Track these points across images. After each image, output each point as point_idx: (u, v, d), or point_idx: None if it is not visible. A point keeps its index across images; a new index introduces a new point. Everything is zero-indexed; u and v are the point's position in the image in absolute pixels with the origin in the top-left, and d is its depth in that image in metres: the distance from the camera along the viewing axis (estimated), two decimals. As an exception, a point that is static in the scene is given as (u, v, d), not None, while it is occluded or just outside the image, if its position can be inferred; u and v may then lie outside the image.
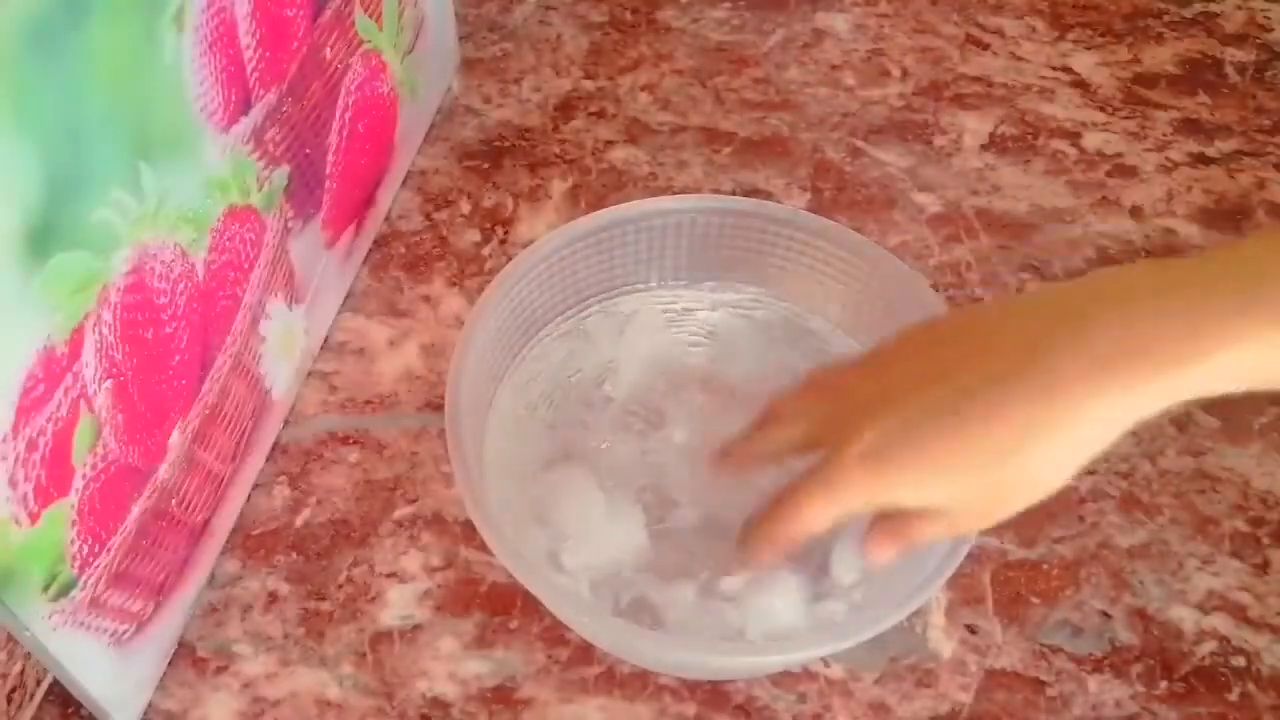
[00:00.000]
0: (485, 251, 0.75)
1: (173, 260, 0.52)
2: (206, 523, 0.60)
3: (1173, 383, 0.40)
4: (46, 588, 0.48)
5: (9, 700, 0.55)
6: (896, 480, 0.45)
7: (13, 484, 0.45)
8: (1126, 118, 0.82)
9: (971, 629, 0.60)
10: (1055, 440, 0.42)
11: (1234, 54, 0.86)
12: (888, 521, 0.48)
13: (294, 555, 0.63)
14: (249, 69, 0.56)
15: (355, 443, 0.67)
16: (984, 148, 0.80)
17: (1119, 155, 0.80)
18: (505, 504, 0.57)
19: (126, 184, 0.48)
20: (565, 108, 0.83)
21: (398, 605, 0.61)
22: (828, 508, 0.46)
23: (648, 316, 0.66)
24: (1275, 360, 0.40)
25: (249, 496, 0.64)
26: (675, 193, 0.77)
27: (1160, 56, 0.86)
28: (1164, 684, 0.59)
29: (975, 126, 0.82)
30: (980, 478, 0.43)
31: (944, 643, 0.60)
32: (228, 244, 0.57)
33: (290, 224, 0.63)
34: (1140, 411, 0.41)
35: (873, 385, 0.46)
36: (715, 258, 0.64)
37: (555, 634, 0.60)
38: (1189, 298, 0.40)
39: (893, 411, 0.44)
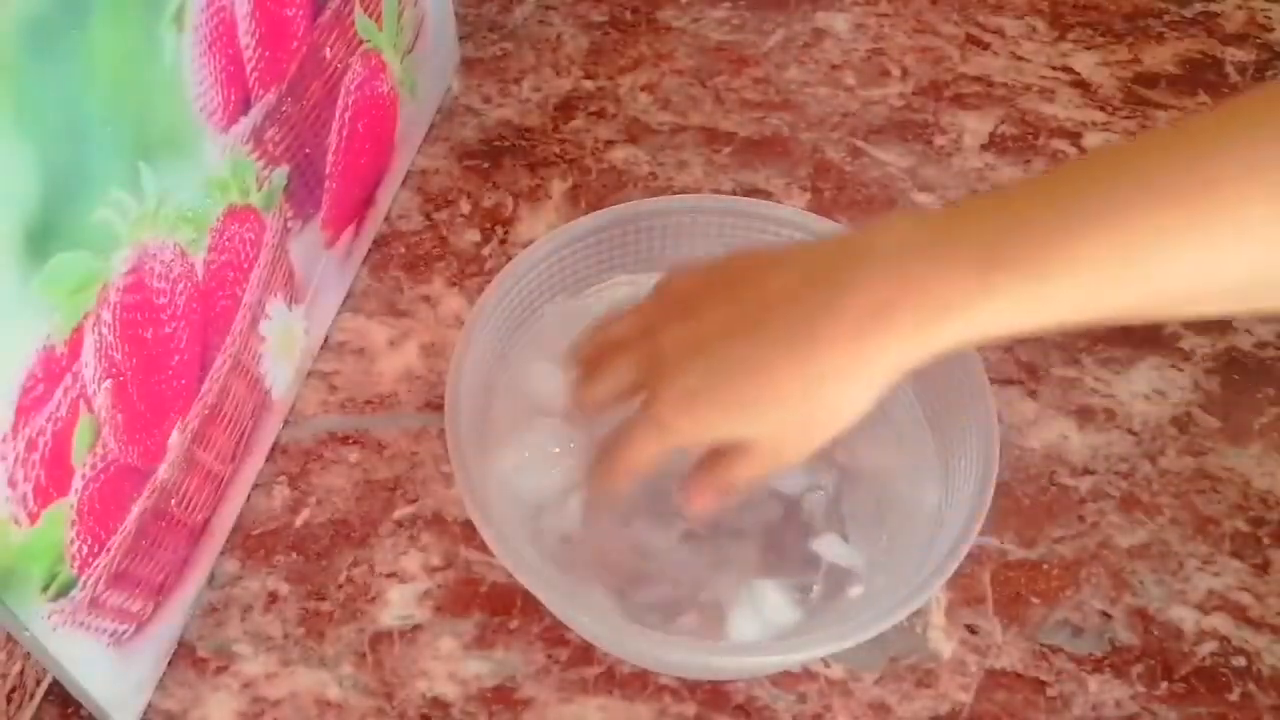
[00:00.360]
0: (485, 251, 0.75)
1: (172, 260, 0.52)
2: (206, 523, 0.60)
3: (936, 333, 0.44)
4: (46, 588, 0.48)
5: (9, 700, 0.55)
6: (711, 418, 0.49)
7: (12, 484, 0.45)
8: (1127, 118, 0.82)
9: (971, 629, 0.60)
10: (841, 384, 0.46)
11: (1234, 54, 0.86)
12: (701, 471, 0.52)
13: (294, 555, 0.63)
14: (248, 69, 0.56)
15: (355, 443, 0.67)
16: (984, 148, 0.80)
17: (1119, 155, 0.80)
18: (505, 503, 0.57)
19: (126, 184, 0.48)
20: (565, 108, 0.83)
21: (398, 605, 0.61)
22: (655, 445, 0.51)
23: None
24: (1026, 310, 0.43)
25: (249, 496, 0.64)
26: (675, 193, 0.77)
27: (1161, 56, 0.86)
28: (1164, 684, 0.59)
29: (975, 126, 0.81)
30: (783, 413, 0.48)
31: (944, 643, 0.60)
32: (227, 244, 0.57)
33: (290, 224, 0.63)
34: (914, 357, 0.45)
35: (680, 332, 0.50)
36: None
37: (555, 634, 0.60)
38: (951, 252, 0.44)
39: (704, 357, 0.48)
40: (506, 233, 0.76)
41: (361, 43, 0.68)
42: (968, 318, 0.43)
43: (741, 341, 0.48)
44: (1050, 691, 0.58)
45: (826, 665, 0.59)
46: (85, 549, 0.50)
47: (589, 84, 0.84)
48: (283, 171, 0.61)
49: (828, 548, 0.58)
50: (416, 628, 0.60)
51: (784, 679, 0.59)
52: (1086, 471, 0.66)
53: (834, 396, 0.47)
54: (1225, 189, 0.39)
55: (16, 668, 0.55)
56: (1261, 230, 0.39)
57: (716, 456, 0.51)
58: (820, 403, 0.47)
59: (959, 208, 0.47)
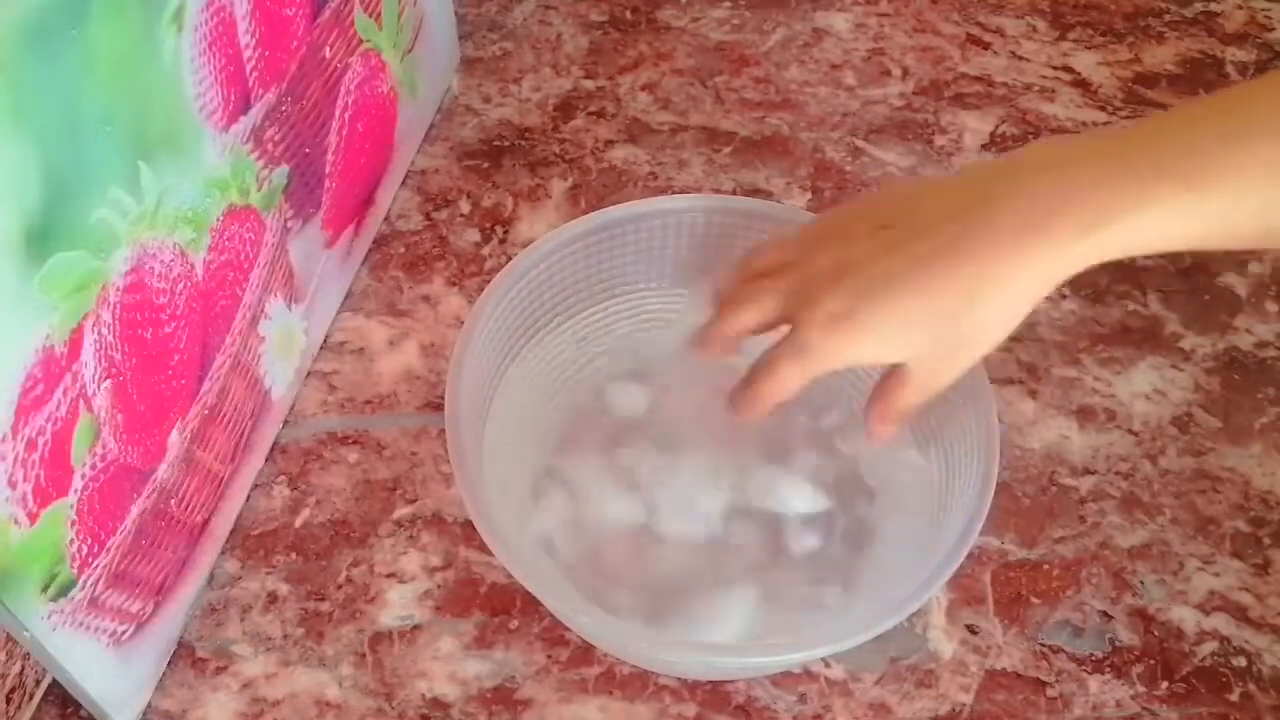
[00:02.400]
0: (485, 251, 0.75)
1: (172, 260, 0.52)
2: (206, 523, 0.60)
3: (1095, 241, 0.45)
4: (45, 588, 0.48)
5: (8, 700, 0.55)
6: (860, 339, 0.48)
7: (12, 484, 0.45)
8: (1128, 117, 0.82)
9: (972, 629, 0.60)
10: (997, 295, 0.46)
11: (1235, 53, 0.86)
12: (875, 405, 0.52)
13: (293, 555, 0.63)
14: (248, 68, 0.56)
15: (355, 443, 0.67)
16: (985, 147, 0.80)
17: (1119, 155, 0.80)
18: (505, 503, 0.57)
19: (125, 183, 0.48)
20: (565, 107, 0.83)
21: (397, 605, 0.61)
22: (803, 368, 0.50)
23: (648, 316, 0.66)
24: (1182, 221, 0.44)
25: (248, 496, 0.64)
26: (675, 192, 0.77)
27: (1161, 56, 0.86)
28: (1165, 684, 0.59)
29: (976, 126, 0.81)
30: (935, 331, 0.48)
31: (944, 643, 0.60)
32: (227, 244, 0.57)
33: (290, 223, 0.63)
34: (1070, 267, 0.46)
35: (828, 259, 0.50)
36: (715, 258, 0.64)
37: (555, 634, 0.60)
38: (1107, 165, 0.45)
39: (853, 278, 0.48)
40: (506, 232, 0.76)
41: (361, 42, 0.68)
42: (1128, 226, 0.44)
43: (893, 260, 0.47)
44: (1051, 692, 0.58)
45: (827, 665, 0.59)
46: (85, 549, 0.50)
47: (589, 84, 0.84)
48: (282, 171, 0.61)
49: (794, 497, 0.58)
50: (416, 628, 0.60)
51: (784, 679, 0.59)
52: (1087, 471, 0.66)
53: (989, 309, 0.47)
54: None
55: (16, 668, 0.55)
56: None
57: (875, 390, 0.51)
58: (974, 317, 0.47)
59: (1112, 129, 0.49)
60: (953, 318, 0.47)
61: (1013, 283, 0.46)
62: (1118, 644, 0.60)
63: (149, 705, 0.58)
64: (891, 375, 0.50)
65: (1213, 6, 0.89)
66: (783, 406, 0.52)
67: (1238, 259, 0.74)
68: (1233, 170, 0.43)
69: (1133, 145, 0.46)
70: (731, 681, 0.59)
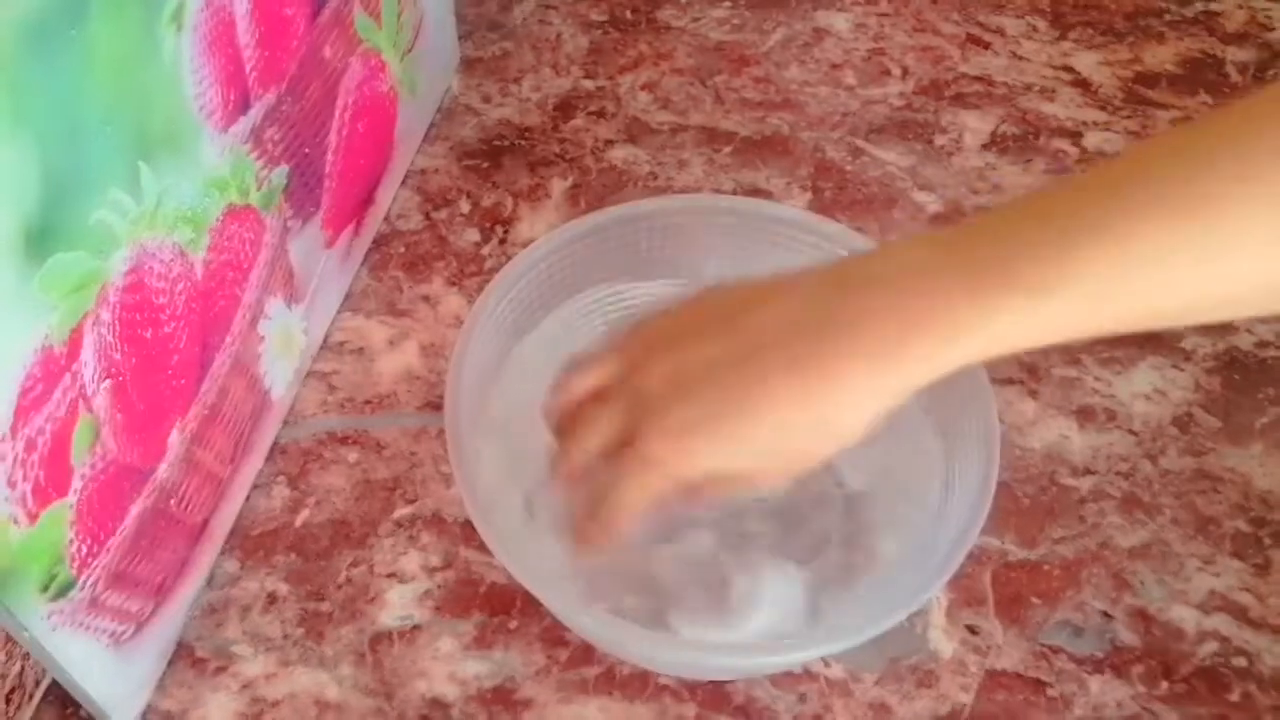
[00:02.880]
0: (485, 251, 0.75)
1: (171, 260, 0.52)
2: (205, 523, 0.60)
3: (948, 356, 0.44)
4: (45, 588, 0.48)
5: (8, 700, 0.55)
6: (709, 448, 0.48)
7: (11, 484, 0.45)
8: (1128, 117, 0.82)
9: (972, 629, 0.60)
10: (848, 412, 0.46)
11: (1235, 53, 0.86)
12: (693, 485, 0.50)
13: (293, 555, 0.63)
14: (248, 68, 0.56)
15: (354, 443, 0.67)
16: (985, 147, 0.80)
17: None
18: (505, 503, 0.57)
19: (125, 183, 0.48)
20: (565, 107, 0.83)
21: (397, 605, 0.61)
22: (649, 483, 0.49)
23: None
24: (1030, 328, 0.43)
25: (248, 497, 0.64)
26: (675, 192, 0.77)
27: (1161, 56, 0.86)
28: (1165, 684, 0.59)
29: (976, 126, 0.81)
30: (787, 443, 0.47)
31: (944, 643, 0.60)
32: (227, 243, 0.57)
33: (289, 223, 0.63)
34: (918, 382, 0.45)
35: (662, 370, 0.49)
36: (715, 257, 0.64)
37: (555, 634, 0.60)
38: (951, 276, 0.44)
39: (694, 389, 0.47)
40: (506, 232, 0.76)
41: (361, 42, 0.68)
42: (975, 340, 0.43)
43: (739, 371, 0.47)
44: (1051, 692, 0.58)
45: (826, 665, 0.59)
46: (84, 549, 0.50)
47: (589, 83, 0.84)
48: (282, 171, 0.61)
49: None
50: (416, 628, 0.60)
51: (784, 679, 0.59)
52: (1087, 471, 0.65)
53: (840, 424, 0.46)
54: (1224, 203, 0.39)
55: (16, 668, 0.55)
56: (1262, 244, 0.39)
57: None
58: (827, 430, 0.46)
59: (956, 229, 0.46)
60: (807, 431, 0.46)
61: (862, 403, 0.45)
62: (1118, 644, 0.60)
63: (149, 705, 0.58)
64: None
65: (1213, 6, 0.89)
66: (627, 535, 0.51)
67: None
68: (1070, 275, 0.41)
69: (969, 252, 0.44)
70: (731, 681, 0.59)
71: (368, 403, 0.68)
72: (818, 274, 0.49)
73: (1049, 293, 0.42)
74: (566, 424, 0.52)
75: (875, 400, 0.46)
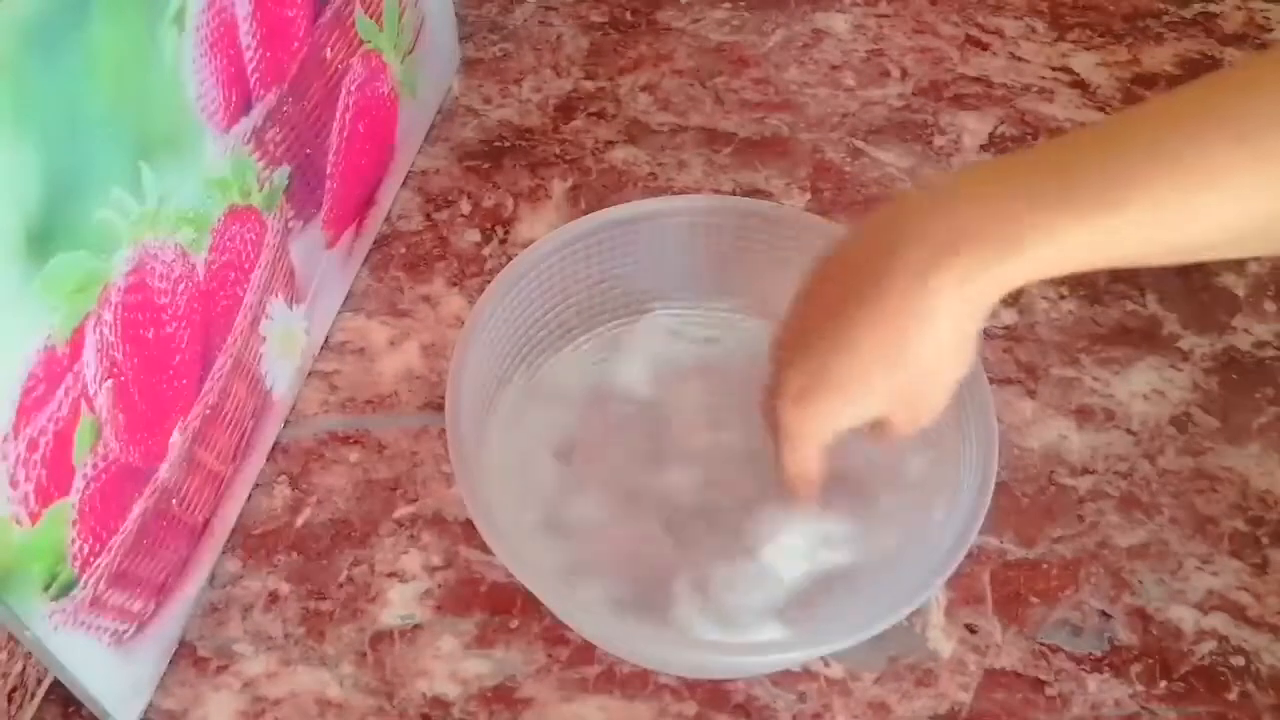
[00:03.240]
0: (485, 251, 0.75)
1: (173, 260, 0.52)
2: (207, 522, 0.60)
3: (1007, 267, 0.45)
4: (47, 587, 0.48)
5: (9, 699, 0.55)
6: (826, 407, 0.50)
7: (13, 484, 0.45)
8: (1126, 118, 0.82)
9: (971, 628, 0.60)
10: (929, 333, 0.47)
11: (1233, 54, 0.86)
12: (870, 431, 0.52)
13: (294, 555, 0.63)
14: (249, 69, 0.56)
15: (355, 442, 0.67)
16: (984, 148, 0.80)
17: (1119, 155, 0.80)
18: (505, 503, 0.57)
19: (127, 184, 0.48)
20: (565, 108, 0.83)
21: (398, 605, 0.61)
22: (803, 455, 0.52)
23: (648, 317, 0.66)
24: (1092, 244, 0.44)
25: (249, 496, 0.65)
26: (675, 193, 0.77)
27: (1160, 57, 0.86)
28: (1163, 683, 0.59)
29: (975, 127, 0.82)
30: (892, 378, 0.48)
31: (944, 642, 0.60)
32: (228, 244, 0.57)
33: (291, 224, 0.63)
34: (985, 294, 0.46)
35: (792, 342, 0.52)
36: (715, 257, 0.64)
37: (555, 634, 0.60)
38: (1010, 192, 0.45)
39: (805, 352, 0.50)
40: (507, 233, 0.76)
41: (362, 43, 0.68)
42: (1025, 255, 0.45)
43: (831, 323, 0.49)
44: (1049, 691, 0.59)
45: (826, 665, 0.59)
46: (86, 548, 0.50)
47: (589, 84, 0.84)
48: (284, 172, 0.61)
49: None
50: (417, 627, 0.61)
51: (784, 678, 0.59)
52: (1086, 471, 0.66)
53: (926, 346, 0.47)
54: (1260, 138, 0.42)
55: (18, 667, 0.55)
56: None
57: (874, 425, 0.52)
58: (911, 352, 0.47)
59: (1008, 156, 0.48)
60: (898, 369, 0.48)
61: (930, 312, 0.46)
62: (1116, 643, 0.60)
63: (150, 704, 0.58)
64: (875, 425, 0.51)
65: (1211, 7, 0.89)
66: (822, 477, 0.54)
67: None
68: (1135, 194, 0.43)
69: (1034, 173, 0.46)
70: (731, 681, 0.59)
71: (369, 403, 0.69)
72: (893, 204, 0.50)
73: (1106, 209, 0.43)
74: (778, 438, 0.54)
75: (940, 310, 0.46)
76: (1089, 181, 0.44)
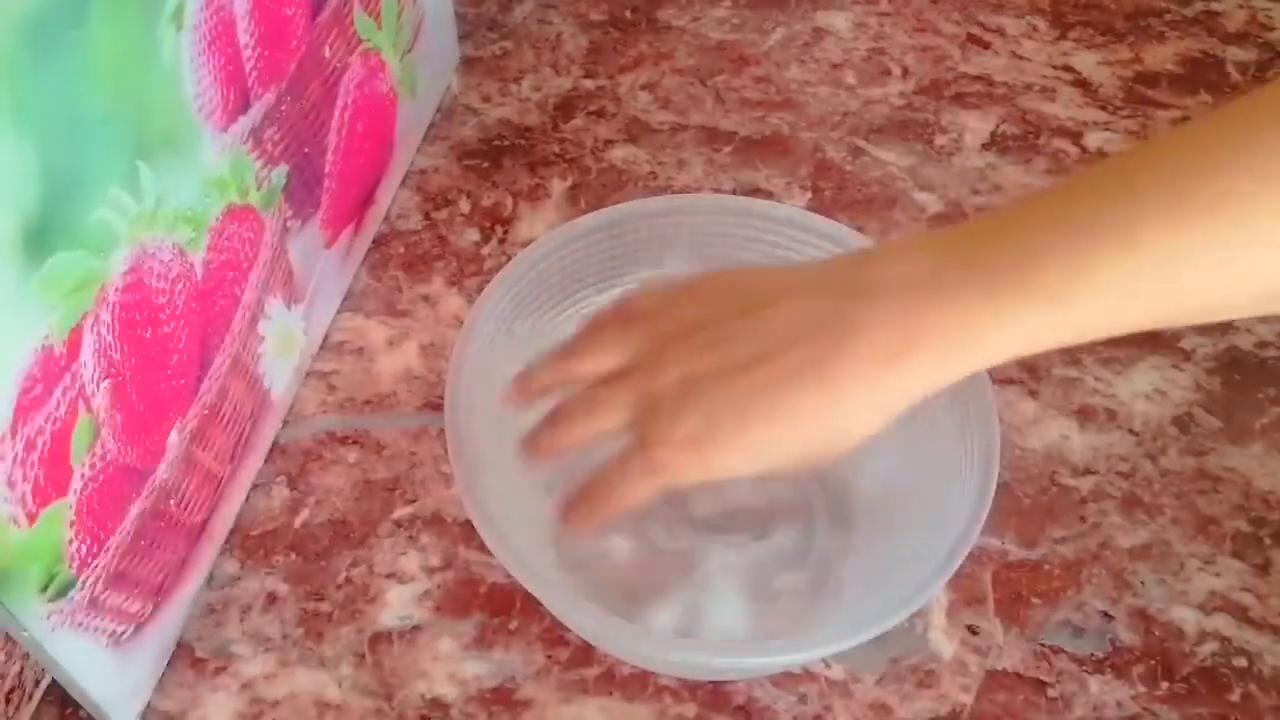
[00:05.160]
0: (485, 251, 0.75)
1: (171, 260, 0.52)
2: (205, 523, 0.60)
3: (956, 364, 0.44)
4: (45, 588, 0.48)
5: (7, 700, 0.55)
6: (719, 459, 0.48)
7: (11, 484, 0.45)
8: (1128, 117, 0.82)
9: (972, 629, 0.60)
10: (859, 417, 0.46)
11: (1235, 53, 0.86)
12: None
13: (293, 555, 0.63)
14: (248, 68, 0.56)
15: (354, 443, 0.67)
16: (985, 147, 0.80)
17: (1120, 154, 0.80)
18: (505, 504, 0.57)
19: (125, 183, 0.48)
20: (565, 107, 0.83)
21: (397, 606, 0.61)
22: (656, 485, 0.49)
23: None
24: (1043, 334, 0.43)
25: (248, 497, 0.64)
26: (675, 192, 0.77)
27: (1162, 56, 0.86)
28: (1165, 685, 0.59)
29: (976, 126, 0.81)
30: (796, 448, 0.47)
31: (945, 643, 0.60)
32: (226, 243, 0.57)
33: (289, 223, 0.63)
34: (934, 386, 0.45)
35: (673, 373, 0.48)
36: (715, 257, 0.64)
37: (555, 634, 0.60)
38: (962, 283, 0.43)
39: (705, 399, 0.47)
40: (506, 232, 0.76)
41: (361, 42, 0.68)
42: (985, 347, 0.43)
43: (745, 380, 0.47)
44: (1051, 692, 0.58)
45: (827, 665, 0.59)
46: (84, 549, 0.50)
47: (589, 83, 0.84)
48: (282, 171, 0.61)
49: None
50: (416, 628, 0.60)
51: (784, 679, 0.59)
52: (1087, 471, 0.65)
53: (852, 427, 0.46)
54: (1243, 201, 0.39)
55: (15, 668, 0.55)
56: (1274, 239, 0.39)
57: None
58: (837, 434, 0.46)
59: (965, 230, 0.46)
60: (815, 439, 0.47)
61: (873, 409, 0.45)
62: (1118, 644, 0.60)
63: (148, 705, 0.58)
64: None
65: (1213, 6, 0.89)
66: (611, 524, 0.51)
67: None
68: (1086, 281, 0.41)
69: (980, 258, 0.43)
70: (731, 681, 0.59)
71: (368, 403, 0.68)
72: (824, 273, 0.48)
73: (1070, 297, 0.41)
74: (564, 408, 0.52)
75: (887, 405, 0.45)
76: (1052, 262, 0.42)
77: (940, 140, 0.81)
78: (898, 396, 0.45)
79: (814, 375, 0.45)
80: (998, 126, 0.81)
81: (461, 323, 0.61)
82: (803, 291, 0.48)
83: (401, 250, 0.75)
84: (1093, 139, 0.80)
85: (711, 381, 0.47)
